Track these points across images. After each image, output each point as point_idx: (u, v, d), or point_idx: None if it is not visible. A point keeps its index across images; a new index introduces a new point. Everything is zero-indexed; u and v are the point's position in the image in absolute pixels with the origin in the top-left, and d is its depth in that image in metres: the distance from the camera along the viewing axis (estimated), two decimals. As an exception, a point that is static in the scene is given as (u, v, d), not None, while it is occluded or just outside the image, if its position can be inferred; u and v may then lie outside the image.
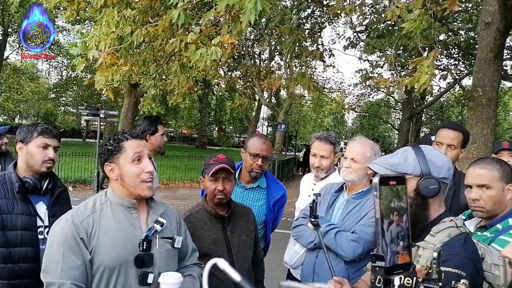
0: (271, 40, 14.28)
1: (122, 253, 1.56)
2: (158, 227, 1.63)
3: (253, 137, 2.82)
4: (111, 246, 1.55)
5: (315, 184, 2.82)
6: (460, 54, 14.14)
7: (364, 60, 17.51)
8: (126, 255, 1.56)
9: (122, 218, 1.61)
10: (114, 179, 1.64)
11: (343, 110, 23.80)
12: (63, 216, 1.59)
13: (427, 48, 5.43)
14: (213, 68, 6.56)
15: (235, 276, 0.93)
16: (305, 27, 8.34)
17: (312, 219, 2.11)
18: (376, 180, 0.91)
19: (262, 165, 2.64)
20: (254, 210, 2.54)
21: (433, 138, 2.76)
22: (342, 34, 15.79)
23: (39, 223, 2.08)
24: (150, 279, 1.57)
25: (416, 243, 1.37)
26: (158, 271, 1.60)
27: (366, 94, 24.72)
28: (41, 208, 2.12)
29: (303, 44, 6.78)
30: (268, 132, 39.20)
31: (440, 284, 1.01)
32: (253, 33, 17.40)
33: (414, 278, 1.27)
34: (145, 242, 1.59)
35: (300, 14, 9.03)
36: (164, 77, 6.90)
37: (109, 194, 1.68)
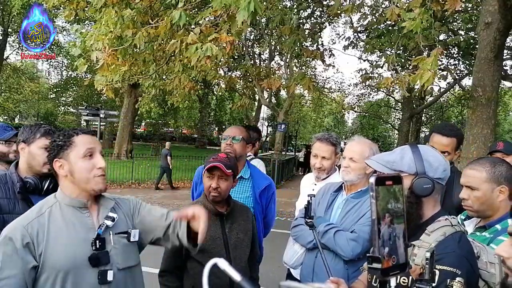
0: (271, 40, 14.27)
1: (75, 255, 1.51)
2: (109, 222, 1.58)
3: None
4: (63, 250, 1.49)
5: (315, 184, 2.81)
6: (460, 54, 14.12)
7: (364, 60, 17.53)
8: (80, 256, 1.51)
9: (72, 219, 1.55)
10: (64, 175, 1.57)
11: (343, 110, 23.77)
12: (13, 221, 1.53)
13: (426, 48, 5.44)
14: (213, 68, 6.56)
15: (235, 276, 0.94)
16: (305, 27, 8.35)
17: (307, 220, 2.12)
18: (372, 180, 0.90)
19: (231, 144, 2.68)
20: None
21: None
22: (342, 34, 15.76)
23: None
24: (110, 277, 1.54)
25: (412, 242, 1.38)
26: (117, 268, 1.57)
27: (366, 94, 24.71)
28: None
29: (303, 44, 6.79)
30: (268, 132, 39.17)
31: (433, 284, 1.01)
32: (253, 33, 17.38)
33: (410, 277, 1.28)
34: (97, 241, 1.54)
35: (300, 14, 9.04)
36: (164, 77, 6.91)
37: (58, 195, 1.61)
